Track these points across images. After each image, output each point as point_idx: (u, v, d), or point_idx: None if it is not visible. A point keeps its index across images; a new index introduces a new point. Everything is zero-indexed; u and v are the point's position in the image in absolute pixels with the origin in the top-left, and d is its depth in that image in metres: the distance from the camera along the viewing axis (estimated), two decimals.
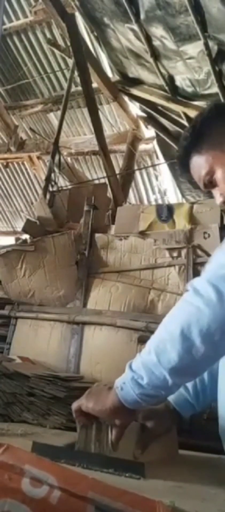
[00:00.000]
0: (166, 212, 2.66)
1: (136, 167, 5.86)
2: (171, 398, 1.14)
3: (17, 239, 3.48)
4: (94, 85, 4.75)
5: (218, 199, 1.11)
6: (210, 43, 3.58)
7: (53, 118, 6.35)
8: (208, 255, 2.39)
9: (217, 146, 1.09)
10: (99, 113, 4.73)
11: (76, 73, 4.53)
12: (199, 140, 1.12)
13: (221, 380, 1.04)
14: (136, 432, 1.07)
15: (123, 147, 5.77)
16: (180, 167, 1.20)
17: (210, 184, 1.11)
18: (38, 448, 0.94)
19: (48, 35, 5.46)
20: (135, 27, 3.87)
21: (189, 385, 1.14)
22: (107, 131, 5.71)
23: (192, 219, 2.61)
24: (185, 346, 0.84)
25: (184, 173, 1.19)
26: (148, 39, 3.96)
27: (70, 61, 4.88)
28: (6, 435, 1.31)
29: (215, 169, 1.09)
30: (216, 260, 0.89)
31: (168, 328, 0.88)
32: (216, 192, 1.11)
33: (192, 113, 4.52)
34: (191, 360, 0.84)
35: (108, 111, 5.85)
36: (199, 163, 1.12)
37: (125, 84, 4.95)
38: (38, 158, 6.66)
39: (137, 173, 6.40)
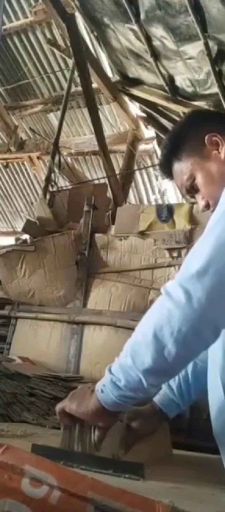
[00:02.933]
0: (166, 212, 2.66)
1: (136, 167, 5.86)
2: (156, 398, 1.16)
3: (17, 239, 3.48)
4: (94, 85, 4.74)
5: (201, 203, 1.14)
6: (210, 43, 3.57)
7: (53, 118, 6.35)
8: None
9: (196, 152, 1.12)
10: (99, 113, 4.73)
11: (76, 73, 4.53)
12: (178, 148, 1.15)
13: (211, 382, 1.04)
14: (120, 432, 1.09)
15: (123, 147, 5.77)
16: (163, 174, 1.24)
17: (192, 189, 1.14)
18: (37, 450, 0.94)
19: (48, 35, 5.46)
20: (135, 27, 3.87)
21: (174, 385, 1.16)
22: (107, 131, 5.71)
23: (192, 219, 2.61)
24: (157, 348, 0.85)
25: (167, 179, 1.23)
26: (148, 39, 3.95)
27: (70, 61, 4.87)
28: (6, 436, 1.31)
29: (195, 174, 1.12)
30: (186, 262, 0.91)
31: (142, 331, 0.90)
32: (198, 196, 1.14)
33: None
34: (163, 361, 0.86)
35: (108, 111, 5.85)
36: (180, 170, 1.15)
37: (125, 84, 4.95)
38: (38, 158, 6.65)
39: (137, 173, 6.39)
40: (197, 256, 0.88)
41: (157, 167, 1.27)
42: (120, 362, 0.92)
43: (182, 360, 0.90)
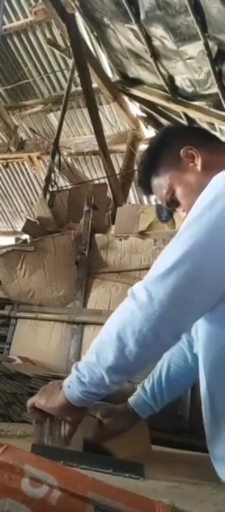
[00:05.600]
0: (166, 212, 2.66)
1: (136, 167, 5.85)
2: (130, 399, 1.21)
3: (17, 239, 3.48)
4: (94, 85, 4.75)
5: (182, 215, 1.16)
6: (210, 43, 3.58)
7: (53, 118, 6.35)
8: None
9: (173, 166, 1.14)
10: (99, 113, 4.73)
11: (76, 73, 4.53)
12: (156, 163, 1.17)
13: (202, 388, 1.05)
14: (93, 427, 1.13)
15: (123, 147, 5.77)
16: (142, 190, 1.26)
17: (173, 202, 1.16)
18: (37, 450, 0.94)
19: (48, 35, 5.46)
20: (135, 27, 3.87)
21: (147, 387, 1.20)
22: (107, 131, 5.71)
23: None
24: (119, 347, 0.88)
25: (147, 195, 1.26)
26: (148, 39, 3.96)
27: (70, 61, 4.88)
28: (6, 436, 1.31)
29: (174, 187, 1.14)
30: (154, 264, 0.93)
31: (107, 330, 0.93)
32: (179, 209, 1.16)
33: (192, 113, 4.53)
34: (125, 360, 0.89)
35: (108, 111, 5.86)
36: (159, 184, 1.17)
37: (125, 84, 4.95)
38: (38, 158, 6.66)
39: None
40: (163, 260, 0.90)
41: (137, 184, 1.30)
42: (86, 359, 0.96)
43: (142, 360, 0.92)
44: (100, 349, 0.92)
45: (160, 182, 1.16)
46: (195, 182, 1.10)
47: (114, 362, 0.89)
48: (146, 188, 1.23)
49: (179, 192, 1.13)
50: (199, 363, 1.05)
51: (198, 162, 1.11)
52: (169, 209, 1.20)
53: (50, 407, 1.01)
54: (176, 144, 1.15)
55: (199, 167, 1.11)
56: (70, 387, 0.97)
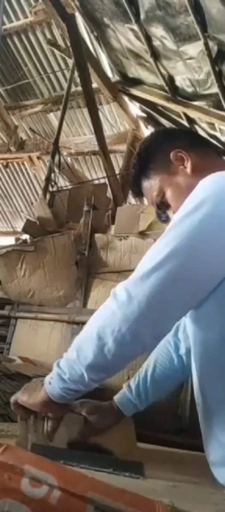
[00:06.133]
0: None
1: None
2: (115, 397, 1.22)
3: (17, 239, 3.48)
4: (94, 85, 4.75)
5: (172, 218, 1.16)
6: (210, 44, 3.57)
7: (53, 118, 6.35)
8: None
9: (163, 169, 1.15)
10: (99, 113, 4.73)
11: (76, 73, 4.53)
12: (146, 166, 1.18)
13: (196, 391, 1.06)
14: (78, 424, 1.15)
15: (123, 147, 5.77)
16: (134, 193, 1.29)
17: (163, 204, 1.17)
18: (37, 450, 0.95)
19: (48, 35, 5.46)
20: (135, 27, 3.87)
21: (133, 385, 1.22)
22: (107, 131, 5.71)
23: None
24: (99, 345, 0.90)
25: (139, 198, 1.29)
26: (148, 39, 3.96)
27: (70, 61, 4.87)
28: (6, 436, 1.31)
29: (164, 190, 1.15)
30: (138, 265, 0.94)
31: (89, 329, 0.95)
32: (169, 212, 1.17)
33: (192, 113, 4.53)
34: (103, 358, 0.91)
35: (108, 111, 5.85)
36: (149, 187, 1.19)
37: (125, 84, 4.95)
38: (38, 158, 6.66)
39: None
40: (145, 261, 0.92)
41: (129, 187, 1.35)
42: (67, 356, 0.97)
43: (120, 359, 0.94)
44: (80, 347, 0.94)
45: (150, 184, 1.18)
46: (185, 184, 1.10)
47: (93, 359, 0.91)
48: (137, 191, 1.24)
49: (169, 194, 1.14)
50: (192, 362, 1.05)
51: (188, 165, 1.12)
52: (159, 212, 1.21)
53: (32, 403, 1.03)
54: (166, 147, 1.16)
55: (188, 170, 1.12)
56: (51, 384, 0.98)
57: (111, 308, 0.91)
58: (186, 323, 1.05)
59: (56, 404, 1.00)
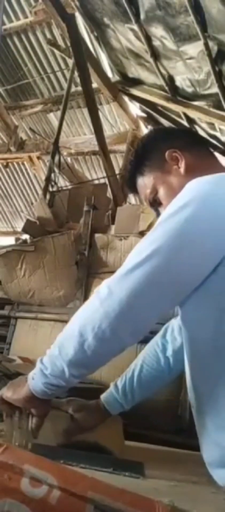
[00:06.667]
0: None
1: None
2: (102, 396, 1.25)
3: (17, 239, 3.48)
4: (94, 85, 4.75)
5: None
6: (210, 43, 3.57)
7: (53, 118, 6.35)
8: None
9: (158, 167, 1.17)
10: (99, 113, 4.73)
11: (76, 73, 4.53)
12: (141, 163, 1.21)
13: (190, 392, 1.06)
14: (64, 422, 1.17)
15: (123, 147, 5.77)
16: (128, 189, 1.30)
17: (155, 202, 1.19)
18: (37, 450, 0.95)
19: (48, 35, 5.46)
20: (135, 27, 3.87)
21: (120, 385, 1.24)
22: (107, 131, 5.71)
23: None
24: (79, 341, 0.92)
25: (133, 193, 1.30)
26: (148, 39, 3.96)
27: (70, 61, 4.87)
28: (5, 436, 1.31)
29: (157, 188, 1.17)
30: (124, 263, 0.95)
31: (71, 325, 0.97)
32: (161, 209, 1.18)
33: (192, 114, 4.52)
34: (83, 354, 0.92)
35: (108, 111, 5.85)
36: (143, 184, 1.20)
37: (125, 84, 4.95)
38: (38, 158, 6.66)
39: None
40: (128, 259, 0.93)
41: (124, 183, 1.40)
42: (49, 352, 0.99)
43: (100, 356, 0.95)
44: (62, 343, 0.96)
45: (144, 181, 1.19)
46: (178, 184, 1.11)
47: (74, 355, 0.92)
48: (132, 187, 1.26)
49: (161, 192, 1.16)
50: (185, 363, 1.06)
51: (182, 165, 1.13)
52: (152, 209, 1.22)
53: (15, 399, 1.04)
54: (161, 146, 1.18)
55: (182, 170, 1.13)
56: (34, 379, 1.00)
57: (94, 304, 0.92)
58: (178, 325, 1.04)
59: (39, 400, 1.01)
